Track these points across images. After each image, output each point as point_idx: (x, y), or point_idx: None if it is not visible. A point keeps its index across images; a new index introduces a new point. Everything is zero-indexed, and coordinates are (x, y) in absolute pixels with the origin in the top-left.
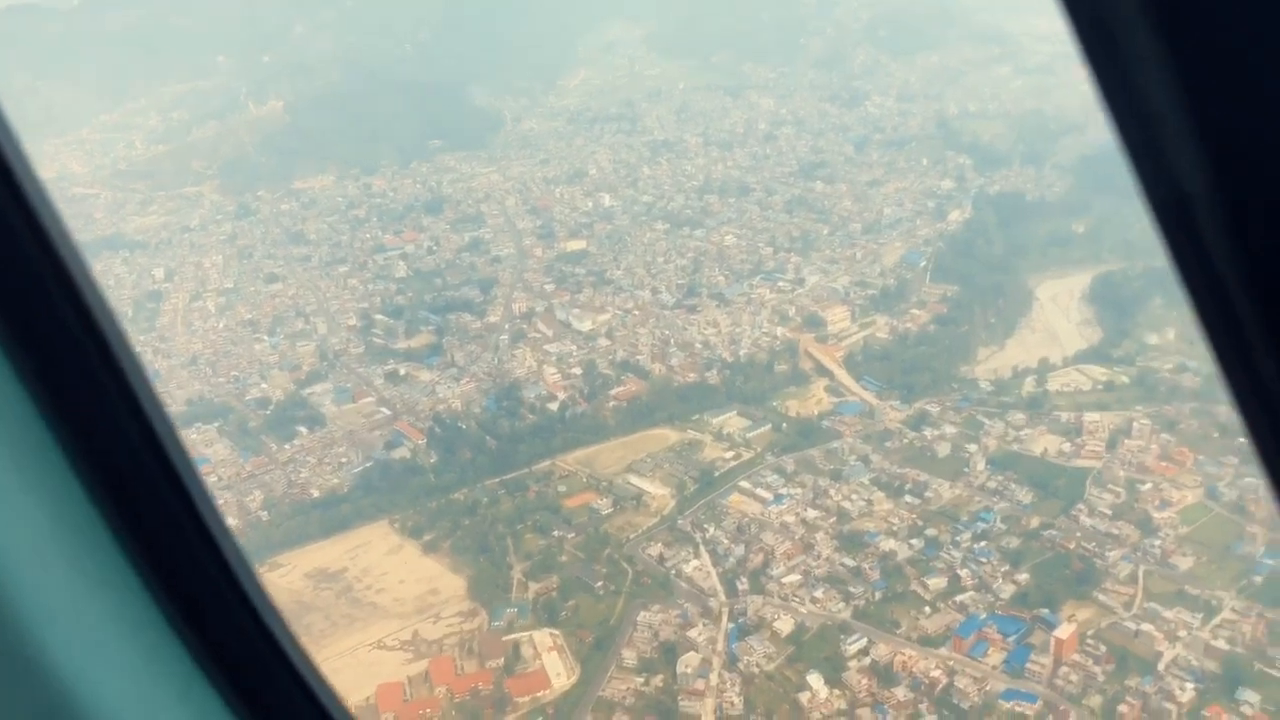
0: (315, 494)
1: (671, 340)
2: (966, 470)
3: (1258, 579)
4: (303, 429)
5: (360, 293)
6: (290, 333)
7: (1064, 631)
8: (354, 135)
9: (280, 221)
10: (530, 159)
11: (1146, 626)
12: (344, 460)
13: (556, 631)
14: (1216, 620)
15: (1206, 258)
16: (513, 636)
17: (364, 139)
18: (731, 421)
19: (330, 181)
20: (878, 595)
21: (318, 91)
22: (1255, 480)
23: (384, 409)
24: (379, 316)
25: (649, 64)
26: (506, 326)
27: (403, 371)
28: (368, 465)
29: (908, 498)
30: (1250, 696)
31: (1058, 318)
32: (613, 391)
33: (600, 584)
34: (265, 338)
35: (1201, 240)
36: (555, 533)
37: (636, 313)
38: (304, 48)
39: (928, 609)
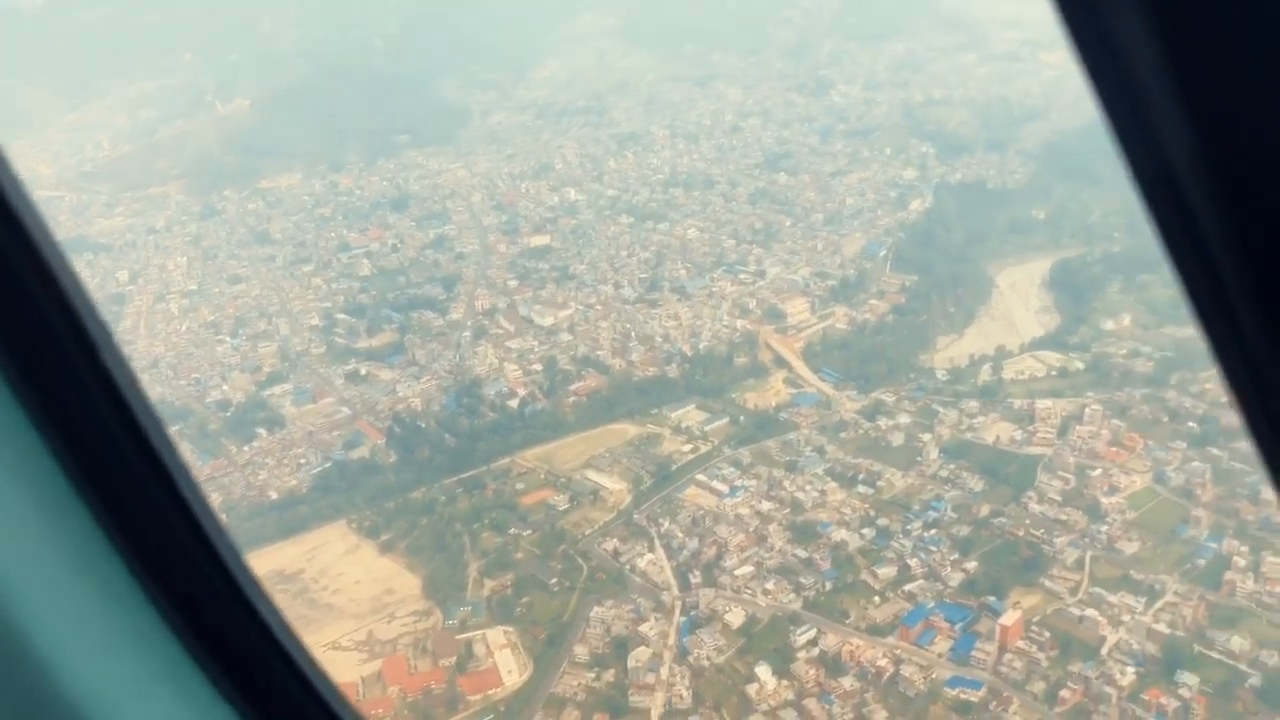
0: (273, 496)
1: (632, 334)
2: (920, 459)
3: (1201, 562)
4: (262, 430)
5: (324, 292)
6: (252, 334)
7: (1009, 619)
8: (321, 132)
9: (246, 221)
10: (497, 154)
11: (1091, 612)
12: (303, 461)
13: (510, 629)
14: (1159, 604)
15: (1196, 236)
16: (466, 635)
17: (331, 135)
18: (690, 415)
19: (297, 180)
20: (828, 585)
21: (284, 88)
22: (1202, 465)
23: (344, 409)
24: (341, 316)
25: (619, 55)
26: (469, 323)
27: (364, 371)
28: (326, 466)
29: (861, 488)
30: (1189, 679)
31: (1017, 305)
32: (573, 387)
33: (555, 580)
34: (227, 339)
35: (1190, 219)
36: (512, 530)
37: (599, 307)
38: (271, 43)
39: (877, 598)
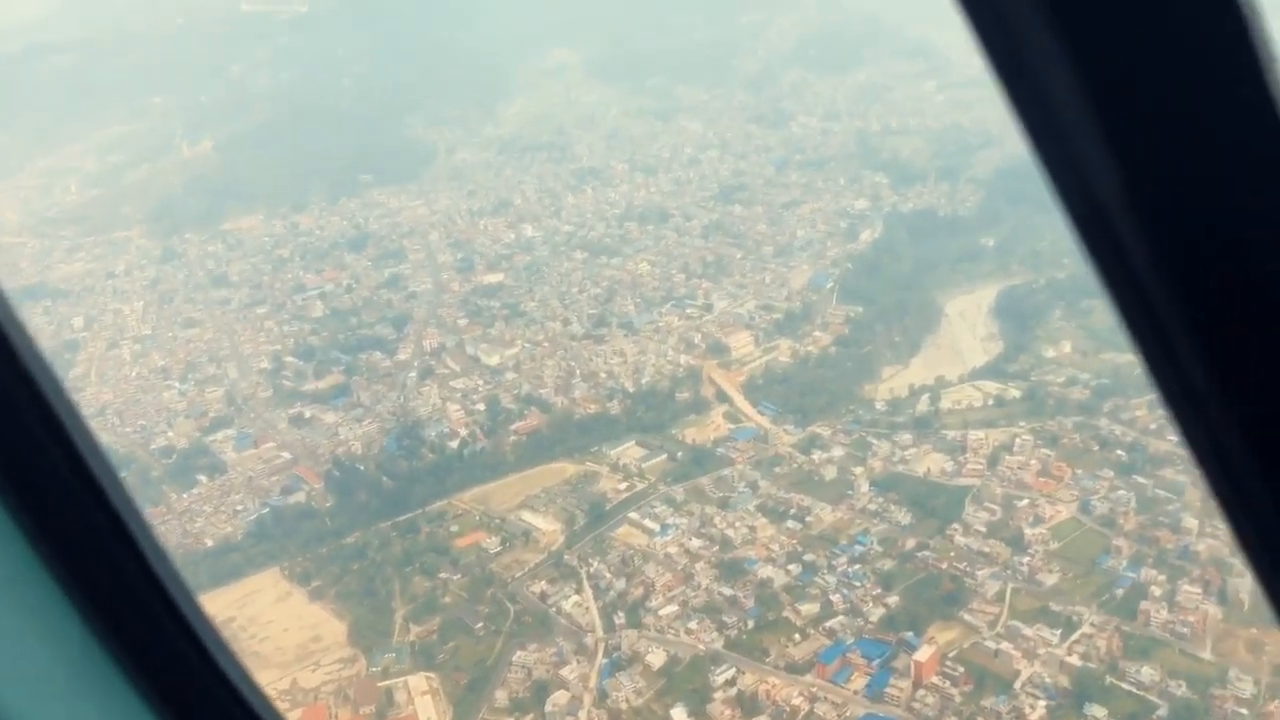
0: (209, 543)
1: (577, 371)
2: (850, 493)
3: (1119, 592)
4: (203, 477)
5: (275, 334)
6: (201, 378)
7: (923, 654)
8: (285, 173)
9: (205, 264)
10: (458, 191)
11: (1006, 645)
12: (240, 508)
13: (433, 675)
14: (1075, 636)
15: (1128, 268)
16: (388, 682)
17: (295, 176)
18: (629, 452)
19: (259, 221)
20: (750, 624)
21: (250, 130)
22: (1127, 494)
23: (285, 453)
24: (289, 359)
25: (586, 89)
26: (415, 364)
27: (308, 414)
28: (263, 512)
29: (790, 523)
30: (1097, 711)
31: (964, 333)
32: (514, 426)
33: (481, 625)
34: (176, 384)
35: (1121, 251)
36: (442, 574)
37: (545, 344)
38: (241, 86)
39: (797, 636)
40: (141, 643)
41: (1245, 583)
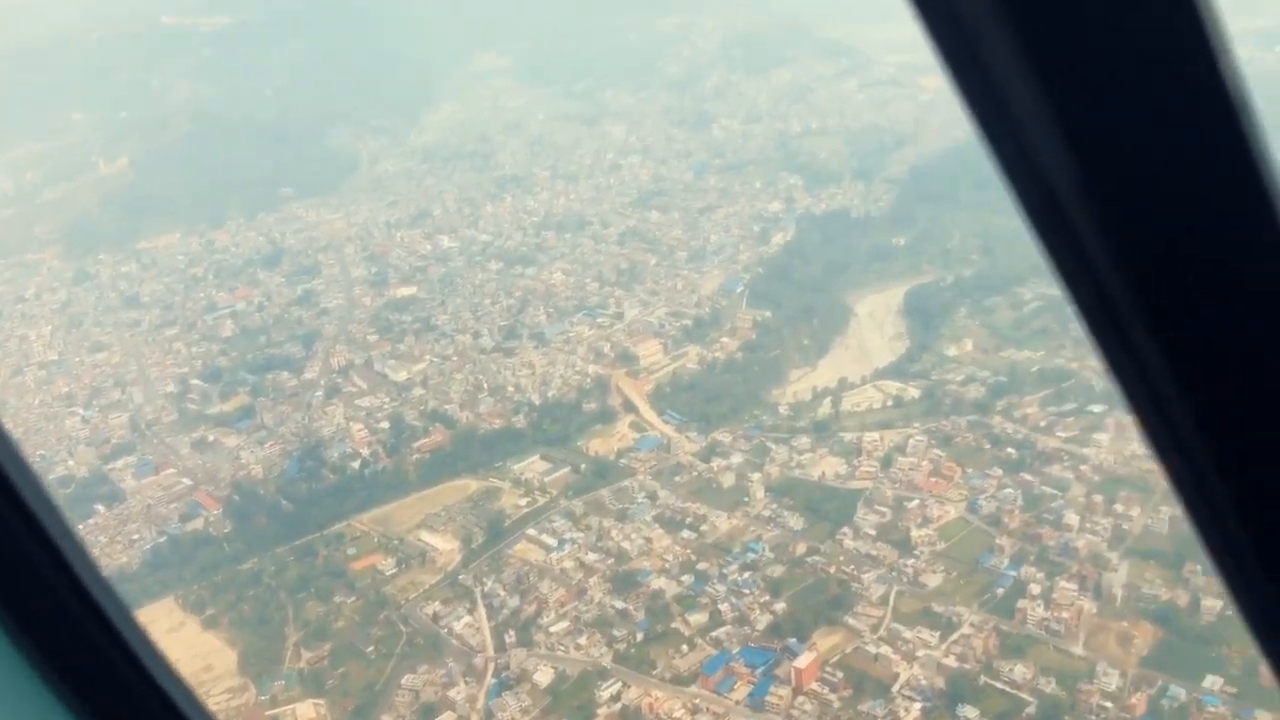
0: (104, 575)
1: (484, 385)
2: (746, 500)
3: (1000, 591)
4: (101, 507)
5: (184, 356)
6: (105, 404)
7: (803, 661)
8: (203, 189)
9: (118, 285)
10: (379, 202)
11: (886, 649)
12: (136, 537)
13: (320, 701)
14: (954, 636)
15: (1082, 259)
16: (276, 710)
17: (214, 192)
18: (534, 466)
19: (175, 239)
20: (640, 636)
21: (167, 145)
22: (1014, 492)
23: (185, 480)
24: (196, 381)
25: (513, 95)
26: (322, 382)
27: (211, 438)
28: (160, 540)
29: (685, 533)
30: (970, 712)
31: (873, 333)
32: (417, 444)
33: (372, 648)
34: (80, 411)
35: (1076, 242)
36: (336, 598)
37: (454, 358)
38: (160, 100)
39: (685, 646)
40: (76, 663)
41: (1119, 576)
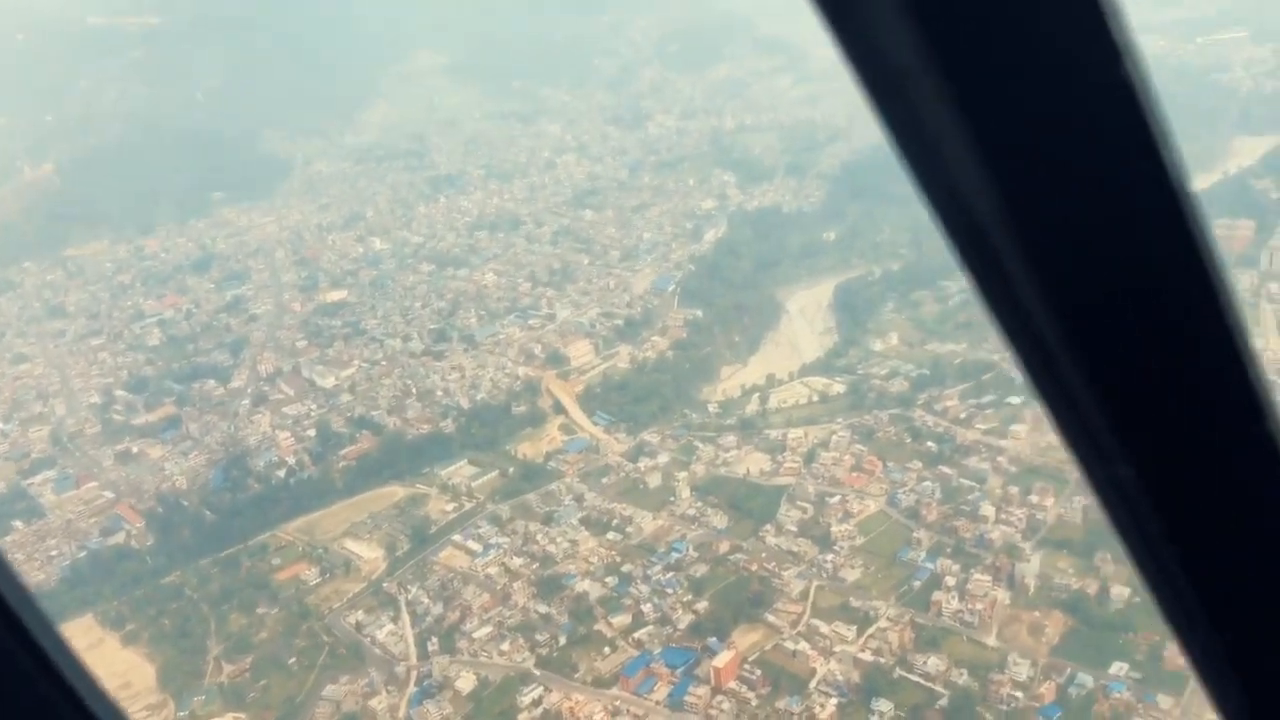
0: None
1: (413, 390)
2: (672, 499)
3: (917, 584)
4: (19, 523)
5: (109, 366)
6: (26, 417)
7: (722, 660)
8: (132, 194)
9: (42, 295)
10: (311, 205)
11: (804, 645)
12: (55, 553)
13: (242, 715)
14: (871, 630)
15: (1008, 288)
16: None
17: (143, 197)
18: (461, 471)
19: (103, 246)
20: (563, 640)
21: (96, 149)
22: (933, 484)
23: (107, 493)
24: (120, 392)
25: (449, 93)
26: (249, 390)
27: (135, 450)
28: (80, 556)
29: (611, 534)
30: (884, 705)
31: (803, 329)
32: (344, 451)
33: (294, 660)
34: (0, 425)
35: (1001, 271)
36: (259, 610)
37: (384, 363)
38: (87, 104)
39: (607, 649)
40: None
41: (1032, 567)
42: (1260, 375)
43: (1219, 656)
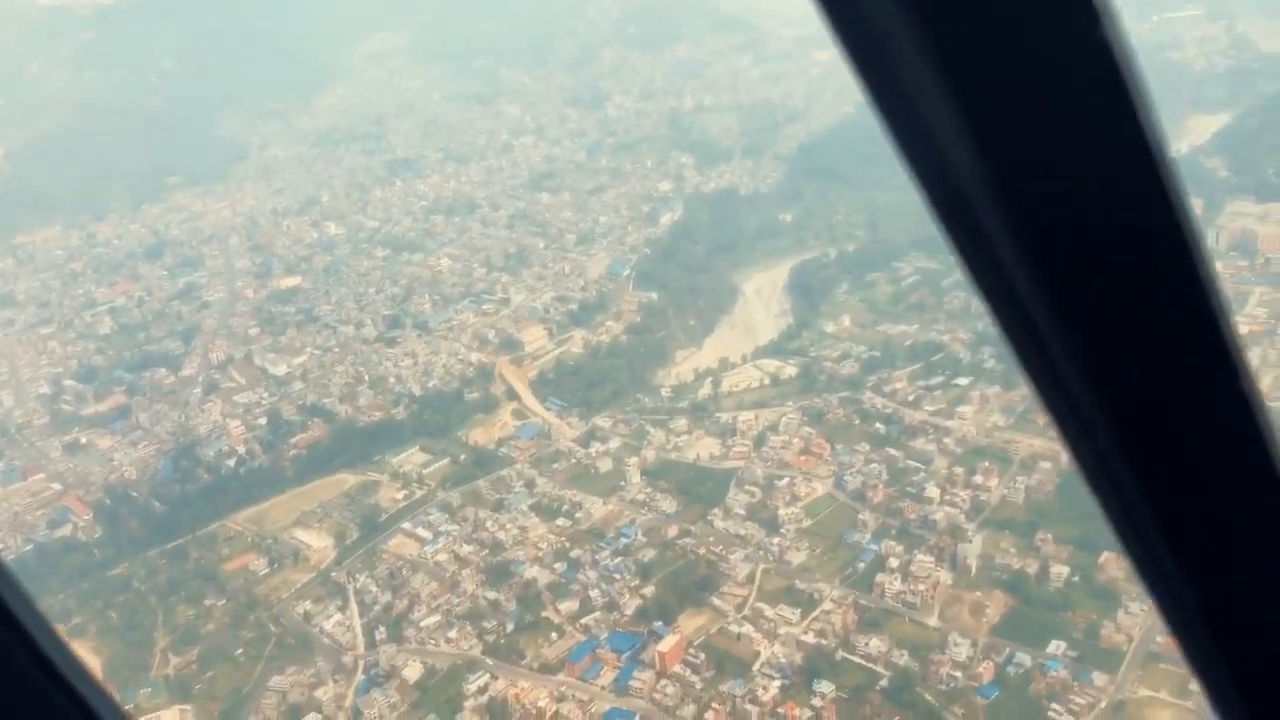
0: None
1: (365, 376)
2: (623, 484)
3: (861, 566)
4: None
5: (58, 356)
6: None
7: (667, 644)
8: (85, 180)
9: None
10: (267, 189)
11: (748, 628)
12: (1, 547)
13: (187, 707)
14: (815, 613)
15: (991, 256)
16: (141, 719)
17: (97, 183)
18: (413, 458)
19: (55, 233)
20: (510, 627)
21: (48, 134)
22: (879, 466)
23: (55, 485)
24: (70, 382)
25: (408, 74)
26: (201, 379)
27: (84, 440)
28: (26, 549)
29: (561, 520)
30: (825, 688)
31: (759, 311)
32: (294, 439)
33: (241, 651)
34: None
35: (984, 240)
36: (207, 601)
37: (336, 350)
38: (39, 87)
39: (554, 635)
40: None
41: (974, 548)
42: (1235, 339)
43: (1198, 622)
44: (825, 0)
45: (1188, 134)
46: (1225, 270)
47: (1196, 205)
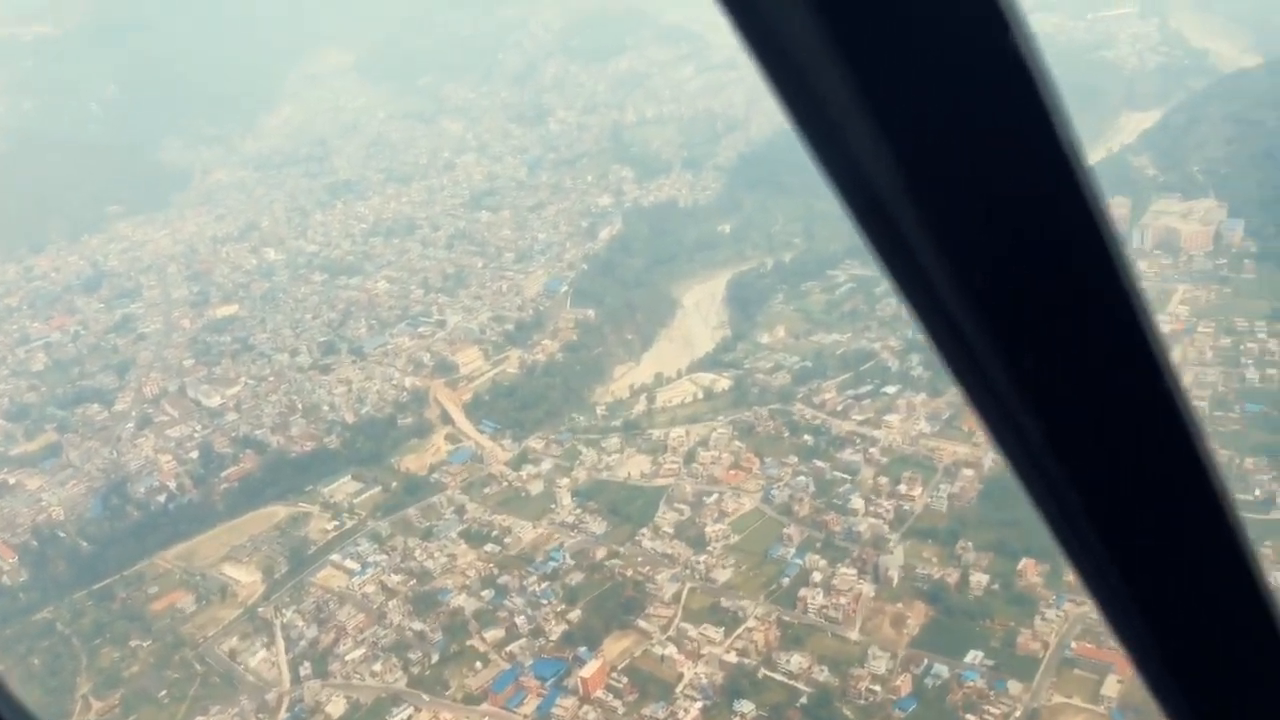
0: None
1: (299, 405)
2: (553, 507)
3: (785, 581)
4: None
5: None
6: None
7: (590, 669)
8: (23, 211)
9: None
10: (208, 215)
11: (672, 650)
12: None
13: None
14: (739, 631)
15: (912, 263)
16: None
17: (34, 214)
18: (344, 488)
19: None
20: (435, 658)
21: None
22: (806, 479)
23: None
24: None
25: (354, 94)
26: (134, 413)
27: (12, 481)
28: None
29: (490, 546)
30: (746, 707)
31: (697, 324)
32: (226, 473)
33: (165, 692)
34: None
35: (904, 246)
36: (132, 642)
37: (271, 379)
38: None
39: (479, 664)
40: None
41: (896, 558)
42: (1158, 338)
43: (1135, 612)
44: (729, 6)
45: (1120, 131)
46: (1149, 268)
47: (1123, 204)
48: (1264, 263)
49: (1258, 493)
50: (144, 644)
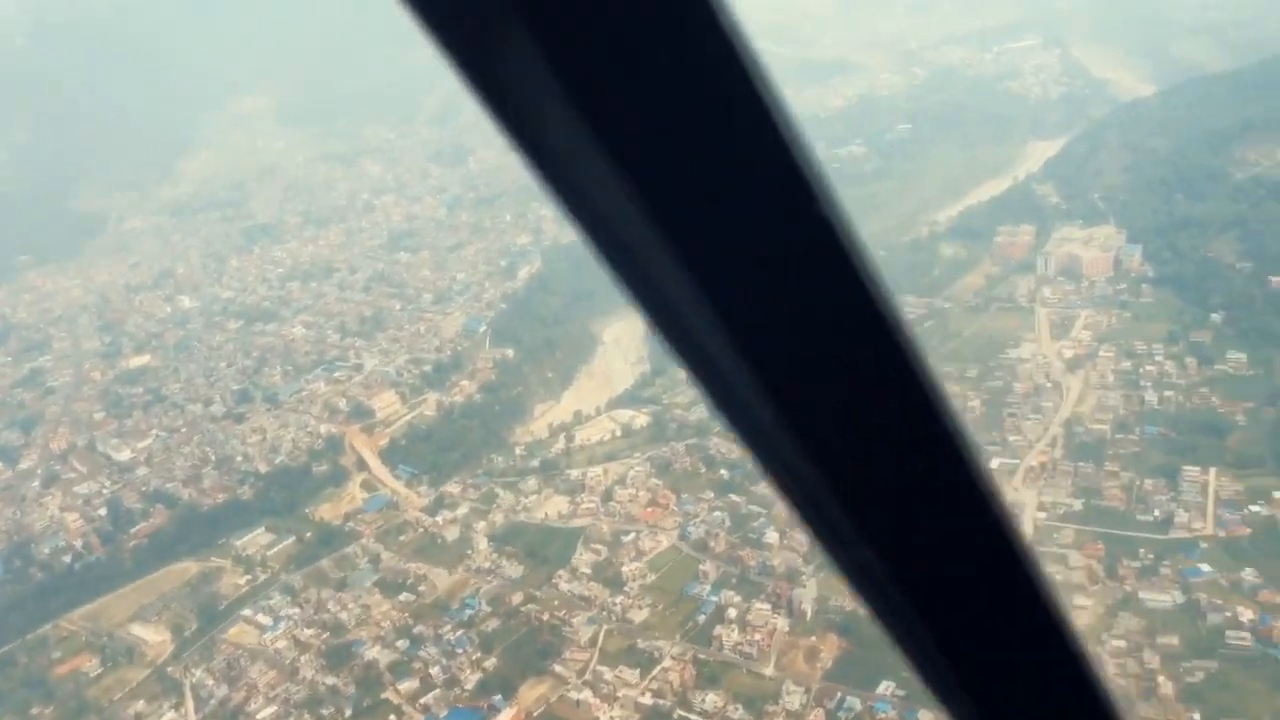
0: None
1: (211, 457)
2: (470, 552)
3: (701, 619)
4: None
5: None
6: None
7: (505, 718)
8: None
9: None
10: (121, 264)
11: (588, 694)
12: None
13: None
14: (654, 672)
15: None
16: None
17: None
18: (257, 540)
19: None
20: (348, 712)
21: None
22: (722, 514)
23: None
24: None
25: (274, 137)
26: (40, 471)
27: None
28: None
29: (404, 595)
30: None
31: (617, 360)
32: (135, 529)
33: None
34: None
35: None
36: (34, 710)
37: (183, 430)
38: None
39: (393, 717)
40: None
41: (809, 592)
42: (930, 378)
43: (930, 645)
44: (473, 84)
45: (1027, 160)
46: (1053, 295)
47: (1029, 231)
48: (1160, 287)
49: (1156, 513)
50: (46, 710)
